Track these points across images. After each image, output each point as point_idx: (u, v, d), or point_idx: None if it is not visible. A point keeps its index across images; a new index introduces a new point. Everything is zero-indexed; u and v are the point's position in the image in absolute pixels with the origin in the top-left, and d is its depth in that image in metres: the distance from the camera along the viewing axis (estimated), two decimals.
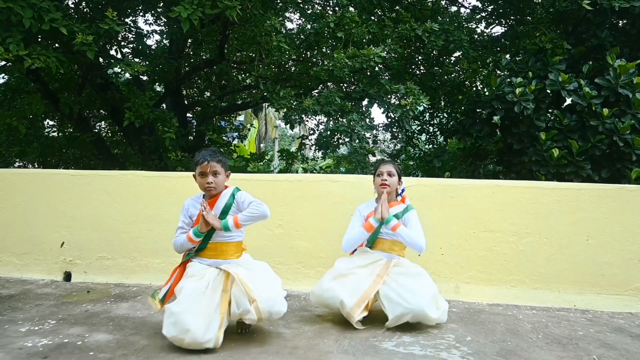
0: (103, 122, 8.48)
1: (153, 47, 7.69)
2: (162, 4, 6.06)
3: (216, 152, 2.51)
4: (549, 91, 4.99)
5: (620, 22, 5.55)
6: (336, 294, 2.63)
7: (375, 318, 2.83)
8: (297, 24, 7.98)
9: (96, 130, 7.68)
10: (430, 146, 8.35)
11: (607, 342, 2.56)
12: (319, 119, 7.88)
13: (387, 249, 2.83)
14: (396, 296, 2.60)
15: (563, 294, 3.27)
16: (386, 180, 2.82)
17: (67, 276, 3.66)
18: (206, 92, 8.30)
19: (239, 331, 2.53)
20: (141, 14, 7.10)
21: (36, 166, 7.90)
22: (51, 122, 8.27)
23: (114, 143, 8.38)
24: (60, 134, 8.05)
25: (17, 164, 8.31)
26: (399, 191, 2.94)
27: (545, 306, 3.21)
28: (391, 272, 2.71)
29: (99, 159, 7.36)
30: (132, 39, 7.23)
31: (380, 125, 7.83)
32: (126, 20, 6.52)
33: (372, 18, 6.48)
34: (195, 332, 2.19)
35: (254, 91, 7.91)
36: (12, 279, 3.62)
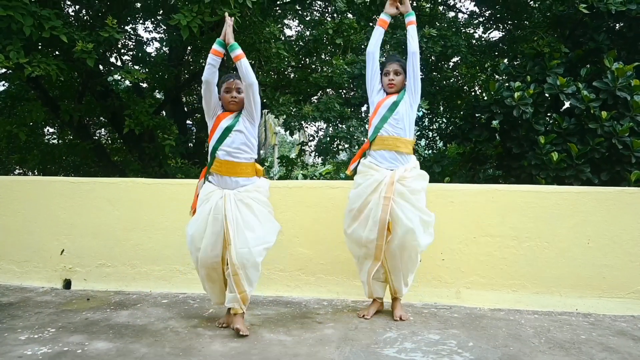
0: (103, 129, 8.50)
1: (153, 54, 7.72)
2: (161, 11, 6.09)
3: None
4: (547, 95, 5.00)
5: (617, 25, 5.58)
6: (361, 232, 2.83)
7: (376, 323, 2.83)
8: (296, 31, 8.01)
9: (96, 138, 7.69)
10: (430, 151, 8.36)
11: (609, 346, 2.54)
12: (318, 125, 7.90)
13: (390, 146, 2.86)
14: (402, 221, 2.77)
15: (565, 297, 3.26)
16: (393, 79, 2.95)
17: (67, 284, 3.66)
18: None
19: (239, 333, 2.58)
20: (141, 21, 7.14)
21: (36, 173, 7.91)
22: (51, 130, 8.30)
23: (114, 150, 8.39)
24: (60, 141, 8.06)
25: (17, 171, 8.32)
26: (404, 86, 3.01)
27: (547, 310, 3.20)
28: (396, 190, 2.78)
29: (99, 166, 7.37)
30: (132, 46, 7.26)
31: None
32: (126, 27, 6.56)
33: (371, 24, 6.51)
34: (203, 251, 2.60)
35: None
36: (11, 287, 3.61)
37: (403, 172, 2.84)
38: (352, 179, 3.06)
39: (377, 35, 3.00)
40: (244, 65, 2.61)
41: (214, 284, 2.70)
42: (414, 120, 3.01)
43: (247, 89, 2.63)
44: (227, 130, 2.66)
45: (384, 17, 3.00)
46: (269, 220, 2.73)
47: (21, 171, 8.32)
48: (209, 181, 2.73)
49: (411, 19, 2.98)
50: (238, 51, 2.63)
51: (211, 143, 2.69)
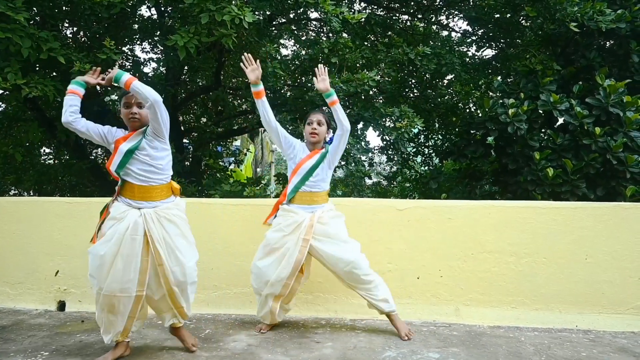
0: (99, 149, 8.49)
1: (150, 74, 7.77)
2: (158, 33, 6.16)
3: None
4: (541, 111, 5.06)
5: (608, 43, 5.68)
6: (271, 272, 2.85)
7: (375, 342, 2.79)
8: (291, 50, 8.12)
9: (92, 157, 7.68)
10: (426, 168, 8.39)
11: None
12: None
13: (307, 201, 2.92)
14: (333, 256, 2.84)
15: (564, 314, 3.24)
16: (316, 129, 2.96)
17: (61, 306, 3.60)
18: (202, 118, 8.36)
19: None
20: (138, 42, 7.21)
21: (32, 194, 7.86)
22: (47, 150, 8.28)
23: None
24: (56, 161, 8.04)
25: (12, 192, 8.27)
26: (327, 139, 3.06)
27: (546, 327, 3.18)
28: (316, 231, 2.85)
29: (95, 185, 7.33)
30: (129, 66, 7.31)
31: (376, 148, 7.88)
32: (123, 49, 6.62)
33: (366, 43, 6.61)
34: (112, 276, 2.35)
35: (250, 116, 7.98)
36: (4, 309, 3.56)
37: (321, 213, 2.92)
38: (348, 196, 3.07)
39: (261, 107, 2.90)
40: (137, 87, 2.34)
41: (116, 315, 2.42)
42: (332, 173, 3.08)
43: (152, 107, 2.37)
44: (130, 153, 2.45)
45: (255, 89, 2.88)
46: (189, 235, 2.61)
47: (17, 192, 8.27)
48: (119, 201, 2.51)
49: (332, 99, 2.86)
50: (125, 77, 2.35)
51: (112, 167, 2.48)
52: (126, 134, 2.52)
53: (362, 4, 7.50)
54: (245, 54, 2.88)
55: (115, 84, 2.37)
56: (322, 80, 2.90)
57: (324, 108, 3.01)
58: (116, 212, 2.45)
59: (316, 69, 2.93)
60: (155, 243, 2.42)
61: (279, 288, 2.87)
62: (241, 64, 2.90)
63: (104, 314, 2.43)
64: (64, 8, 5.10)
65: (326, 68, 2.95)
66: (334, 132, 3.02)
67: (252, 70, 2.86)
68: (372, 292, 2.92)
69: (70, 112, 2.43)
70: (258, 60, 2.87)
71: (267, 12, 5.66)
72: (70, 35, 5.92)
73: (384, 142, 7.47)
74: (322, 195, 2.98)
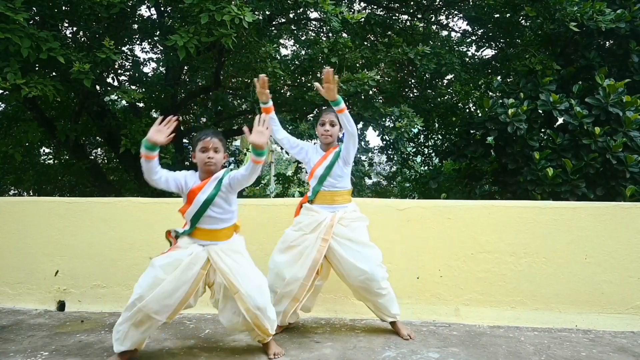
0: (99, 149, 8.50)
1: (149, 74, 7.78)
2: (158, 32, 6.16)
3: (218, 131, 2.55)
4: (540, 111, 5.06)
5: (607, 43, 5.68)
6: (287, 270, 2.80)
7: (374, 342, 2.79)
8: (291, 50, 8.11)
9: (92, 157, 7.68)
10: (426, 168, 8.40)
11: None
12: (314, 143, 7.93)
13: (328, 201, 2.89)
14: (349, 262, 2.78)
15: (564, 314, 3.24)
16: (328, 130, 2.95)
17: (61, 306, 3.60)
18: (202, 118, 8.36)
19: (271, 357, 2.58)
20: (138, 42, 7.20)
21: (31, 194, 7.86)
22: (47, 150, 8.28)
23: (110, 170, 8.37)
24: (55, 162, 8.04)
25: (12, 192, 8.27)
26: (341, 136, 3.04)
27: (546, 327, 3.18)
28: (337, 233, 2.80)
29: (94, 186, 7.34)
30: (128, 66, 7.31)
31: (376, 148, 7.88)
32: (123, 48, 6.62)
33: (365, 43, 6.60)
34: (155, 295, 2.34)
35: (249, 116, 7.98)
36: (4, 309, 3.55)
37: (343, 213, 2.88)
38: None
39: (272, 122, 2.91)
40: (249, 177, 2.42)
41: (139, 331, 2.42)
42: (350, 171, 3.03)
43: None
44: (207, 203, 2.45)
45: (265, 106, 2.91)
46: (253, 265, 2.61)
47: (16, 192, 8.27)
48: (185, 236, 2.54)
49: (339, 107, 2.79)
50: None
51: (187, 216, 2.50)
52: (200, 183, 2.50)
53: (362, 4, 7.50)
54: (262, 77, 2.84)
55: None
56: (327, 89, 2.75)
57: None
58: (183, 242, 2.49)
59: (325, 73, 2.76)
60: (224, 274, 2.42)
61: (295, 289, 2.78)
62: (255, 80, 2.89)
63: (127, 325, 2.41)
64: (63, 8, 5.10)
65: (335, 76, 2.77)
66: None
67: (262, 93, 2.87)
68: (381, 307, 2.89)
69: (154, 177, 2.44)
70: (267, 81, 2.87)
71: (267, 12, 5.66)
72: (70, 35, 5.91)
73: (384, 142, 7.48)
74: (343, 194, 2.93)
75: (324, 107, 3.34)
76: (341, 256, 2.80)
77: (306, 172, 3.10)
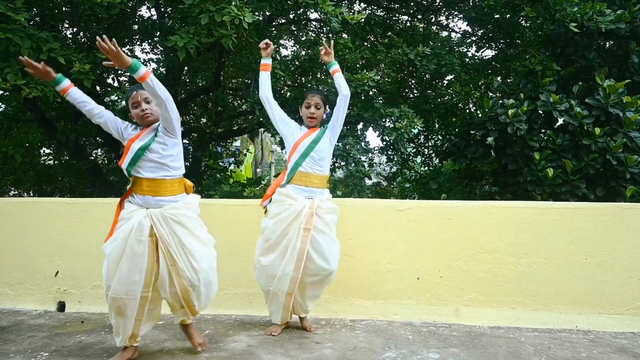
0: (99, 150, 8.49)
1: None
2: (158, 33, 6.16)
3: (140, 85, 2.45)
4: (541, 112, 5.06)
5: (607, 43, 5.68)
6: (276, 268, 2.82)
7: (374, 343, 2.79)
8: (291, 51, 8.11)
9: (92, 158, 7.68)
10: (426, 168, 8.39)
11: None
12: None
13: (306, 182, 2.90)
14: (314, 257, 2.81)
15: (564, 314, 3.24)
16: (314, 113, 2.98)
17: (61, 306, 3.60)
18: (202, 119, 8.35)
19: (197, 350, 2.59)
20: (138, 43, 7.21)
21: (32, 194, 7.86)
22: (47, 150, 8.28)
23: (110, 170, 8.36)
24: (56, 162, 8.04)
25: (12, 193, 8.27)
26: (324, 117, 3.09)
27: (546, 327, 3.18)
28: (315, 223, 2.82)
29: (95, 186, 7.33)
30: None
31: (376, 148, 7.87)
32: (123, 49, 6.62)
33: (365, 44, 6.60)
34: (118, 278, 2.34)
35: (249, 117, 7.98)
36: (4, 310, 3.55)
37: (320, 202, 2.88)
38: (348, 196, 3.07)
39: (264, 79, 3.03)
40: (153, 82, 2.32)
41: (124, 318, 2.40)
42: (332, 152, 3.07)
43: (162, 105, 2.38)
44: (141, 151, 2.42)
45: (265, 61, 3.04)
46: (203, 233, 2.58)
47: (16, 192, 8.27)
48: (129, 201, 2.50)
49: (334, 68, 3.03)
50: (141, 71, 2.28)
51: (123, 165, 2.47)
52: (138, 132, 2.52)
53: (362, 5, 7.50)
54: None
55: (130, 73, 2.32)
56: (327, 54, 3.03)
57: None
58: (125, 212, 2.46)
59: (323, 42, 3.00)
60: (165, 244, 2.40)
61: (286, 284, 2.80)
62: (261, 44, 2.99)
63: (113, 319, 2.44)
64: (63, 9, 5.10)
65: (332, 42, 3.13)
66: (331, 111, 3.03)
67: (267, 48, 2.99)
68: (309, 302, 2.96)
69: (86, 109, 2.49)
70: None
71: (267, 13, 5.66)
72: (70, 36, 5.92)
73: (384, 143, 7.47)
74: (322, 178, 2.94)
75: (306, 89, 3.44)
76: (320, 245, 2.82)
77: (285, 152, 3.11)
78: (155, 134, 2.48)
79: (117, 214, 2.53)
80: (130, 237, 2.36)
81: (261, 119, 5.44)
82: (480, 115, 6.49)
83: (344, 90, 2.95)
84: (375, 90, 5.72)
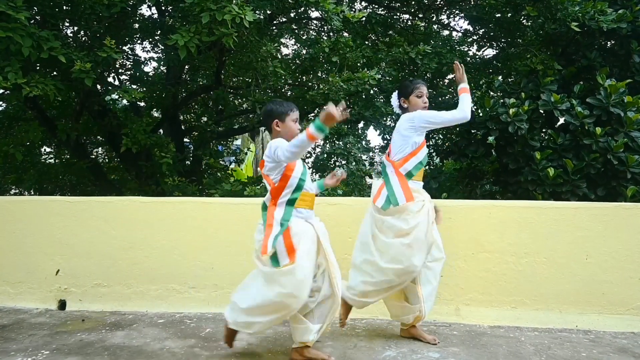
0: (100, 148, 8.50)
1: (150, 73, 7.78)
2: (159, 32, 6.16)
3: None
4: (542, 111, 5.05)
5: (609, 43, 5.67)
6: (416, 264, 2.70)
7: (375, 342, 2.79)
8: (292, 50, 8.12)
9: (93, 157, 7.68)
10: (427, 167, 8.38)
11: None
12: (315, 142, 7.93)
13: (422, 178, 2.98)
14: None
15: (564, 314, 3.24)
16: (426, 103, 3.04)
17: (62, 305, 3.61)
18: (203, 117, 8.37)
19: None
20: (139, 41, 7.21)
21: (32, 193, 7.86)
22: (48, 149, 8.28)
23: (111, 169, 8.37)
24: (56, 161, 8.04)
25: (13, 191, 8.28)
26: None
27: (547, 327, 3.18)
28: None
29: (95, 185, 7.34)
30: (129, 66, 7.31)
31: (377, 147, 7.87)
32: (124, 48, 6.62)
33: (366, 42, 6.60)
34: (303, 294, 2.37)
35: (250, 115, 7.98)
36: (5, 308, 3.56)
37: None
38: (349, 195, 3.05)
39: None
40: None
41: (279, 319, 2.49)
42: None
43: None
44: (303, 162, 2.56)
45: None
46: None
47: (17, 191, 8.27)
48: (297, 216, 2.48)
49: (462, 86, 3.03)
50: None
51: (294, 175, 2.45)
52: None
53: (363, 3, 7.50)
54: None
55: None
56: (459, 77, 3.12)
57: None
58: (299, 227, 2.44)
59: (457, 64, 3.02)
60: (327, 252, 2.51)
61: (412, 277, 2.70)
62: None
63: (271, 320, 2.47)
64: (64, 7, 5.10)
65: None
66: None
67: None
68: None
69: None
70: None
71: (268, 11, 5.65)
72: (71, 35, 5.92)
73: (385, 141, 7.48)
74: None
75: (408, 81, 3.27)
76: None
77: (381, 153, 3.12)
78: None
79: (289, 235, 2.44)
80: (311, 249, 2.48)
81: (262, 118, 5.44)
82: (481, 114, 6.46)
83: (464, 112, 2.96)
84: (376, 89, 5.71)
